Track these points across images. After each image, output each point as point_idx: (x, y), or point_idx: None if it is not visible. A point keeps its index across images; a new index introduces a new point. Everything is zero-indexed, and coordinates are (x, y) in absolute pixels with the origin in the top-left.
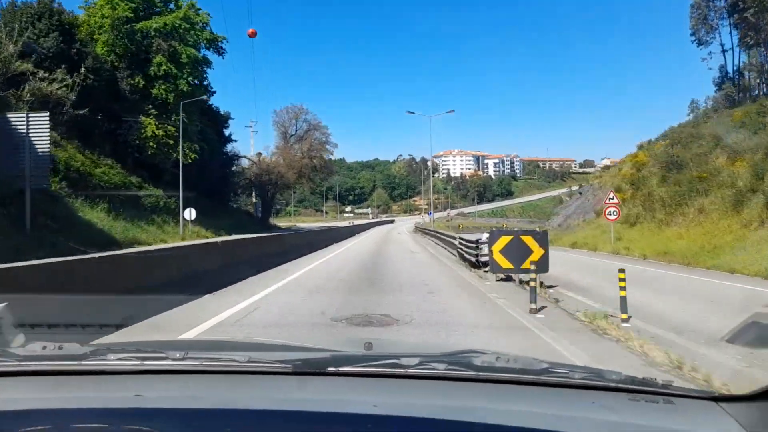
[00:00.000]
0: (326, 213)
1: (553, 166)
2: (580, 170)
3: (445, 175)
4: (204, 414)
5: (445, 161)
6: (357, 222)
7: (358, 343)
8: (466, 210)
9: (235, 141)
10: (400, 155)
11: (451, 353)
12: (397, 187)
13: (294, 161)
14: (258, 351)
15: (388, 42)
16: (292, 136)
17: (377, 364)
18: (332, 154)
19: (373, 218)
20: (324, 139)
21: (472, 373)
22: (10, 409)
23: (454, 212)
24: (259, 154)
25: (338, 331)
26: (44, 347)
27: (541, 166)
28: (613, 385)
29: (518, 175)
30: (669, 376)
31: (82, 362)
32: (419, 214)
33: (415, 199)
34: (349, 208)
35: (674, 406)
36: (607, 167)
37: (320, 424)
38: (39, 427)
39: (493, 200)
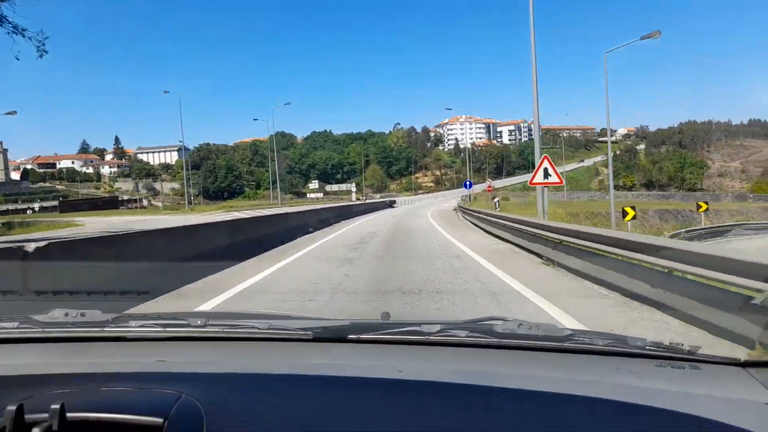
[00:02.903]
0: (305, 196)
1: (575, 134)
2: (602, 139)
3: (452, 146)
4: (227, 378)
5: (451, 130)
6: (277, 210)
7: (374, 315)
8: (497, 184)
9: None
10: (398, 124)
11: (472, 320)
12: (395, 161)
13: None
14: (278, 320)
15: (380, 5)
16: None
17: (398, 331)
18: None
19: (359, 200)
20: None
21: (494, 340)
22: (36, 373)
23: (481, 187)
24: None
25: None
26: (66, 314)
27: (560, 134)
28: (638, 351)
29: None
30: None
31: (104, 329)
32: (423, 192)
33: (417, 175)
34: (313, 184)
35: (701, 371)
36: (628, 136)
37: (346, 389)
38: (66, 390)
39: (513, 173)
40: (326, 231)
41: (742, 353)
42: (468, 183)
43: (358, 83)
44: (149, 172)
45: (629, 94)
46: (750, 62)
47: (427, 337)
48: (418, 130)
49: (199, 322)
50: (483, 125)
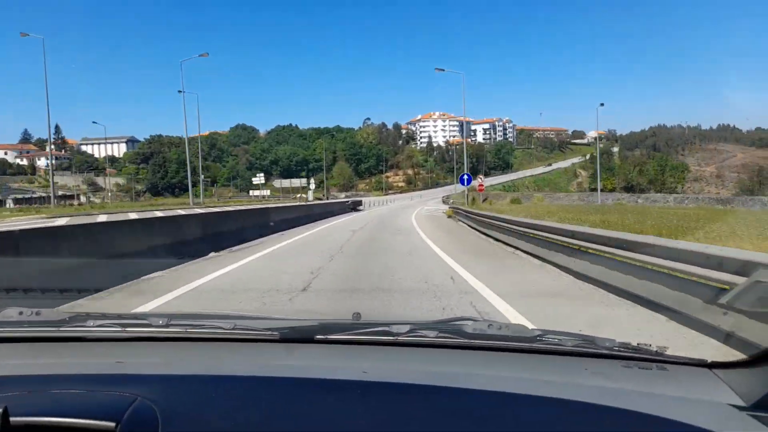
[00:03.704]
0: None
1: (549, 135)
2: (575, 141)
3: (425, 144)
4: (186, 380)
5: (423, 127)
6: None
7: (346, 314)
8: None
9: None
10: (368, 119)
11: (441, 321)
12: (365, 159)
13: None
14: (244, 320)
15: None
16: None
17: (366, 332)
18: None
19: (318, 199)
20: None
21: (463, 341)
22: None
23: (463, 186)
24: None
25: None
26: (20, 313)
27: (534, 135)
28: (606, 352)
29: (513, 143)
30: (664, 343)
31: (61, 328)
32: (395, 192)
33: (388, 174)
34: (258, 178)
35: (667, 372)
36: (600, 138)
37: (309, 390)
38: (16, 393)
39: (489, 174)
40: None
41: (709, 353)
42: (466, 178)
43: (327, 77)
44: (92, 166)
45: (598, 97)
46: (720, 67)
47: (395, 337)
48: (389, 126)
49: (160, 321)
50: (457, 123)
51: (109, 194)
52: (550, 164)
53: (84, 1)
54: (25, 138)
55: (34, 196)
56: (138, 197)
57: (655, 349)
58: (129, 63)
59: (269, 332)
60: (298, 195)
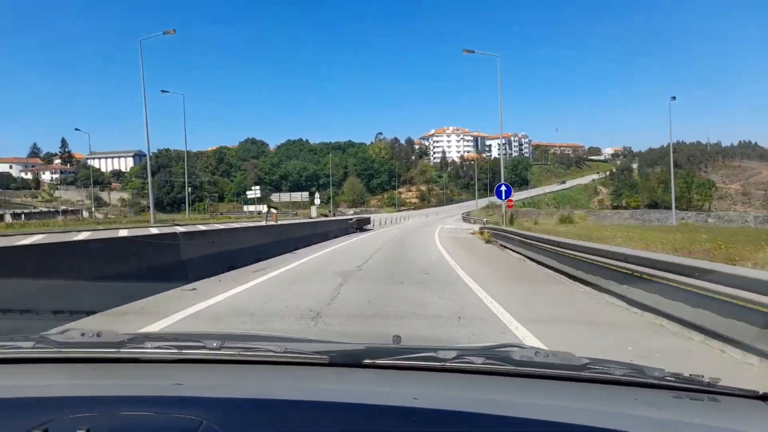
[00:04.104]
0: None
1: (566, 151)
2: (592, 157)
3: (438, 159)
4: (246, 403)
5: (437, 142)
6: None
7: (385, 337)
8: (498, 201)
9: None
10: (380, 134)
11: (488, 347)
12: (377, 174)
13: None
14: (293, 342)
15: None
16: None
17: (414, 357)
18: None
19: (325, 215)
20: None
21: (510, 368)
22: (54, 395)
23: (483, 202)
24: None
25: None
26: (82, 334)
27: (549, 151)
28: (656, 382)
29: (529, 159)
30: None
31: (121, 350)
32: (407, 209)
33: (400, 190)
34: (252, 191)
35: (720, 404)
36: (616, 155)
37: (363, 416)
38: (86, 414)
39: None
40: None
41: (762, 385)
42: (504, 189)
43: (338, 92)
44: (97, 180)
45: (613, 114)
46: (740, 81)
47: (443, 363)
48: (402, 141)
49: (214, 344)
50: (471, 138)
51: (91, 209)
52: (564, 181)
53: (98, 14)
54: (34, 152)
55: (35, 211)
56: (141, 212)
57: (707, 380)
58: (138, 77)
59: (318, 356)
60: (264, 210)
